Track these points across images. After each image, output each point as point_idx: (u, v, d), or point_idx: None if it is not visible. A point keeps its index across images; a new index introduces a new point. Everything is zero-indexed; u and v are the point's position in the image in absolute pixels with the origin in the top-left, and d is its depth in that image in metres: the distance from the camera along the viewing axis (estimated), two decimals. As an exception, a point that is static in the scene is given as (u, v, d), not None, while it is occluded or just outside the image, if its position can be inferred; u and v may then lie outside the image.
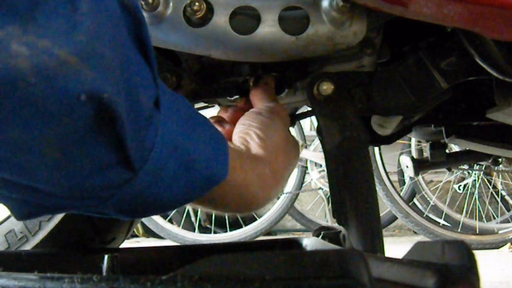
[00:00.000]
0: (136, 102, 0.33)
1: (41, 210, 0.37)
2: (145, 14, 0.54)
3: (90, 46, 0.29)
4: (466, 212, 3.03)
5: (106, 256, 0.49)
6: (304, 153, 3.13)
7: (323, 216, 3.67)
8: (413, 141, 2.94)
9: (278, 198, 3.13)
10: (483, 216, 3.18)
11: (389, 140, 0.88)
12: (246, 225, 3.07)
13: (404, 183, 3.29)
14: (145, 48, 0.36)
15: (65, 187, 0.34)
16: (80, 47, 0.28)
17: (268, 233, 3.20)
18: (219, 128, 0.58)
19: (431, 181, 3.24)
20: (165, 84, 0.40)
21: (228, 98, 0.70)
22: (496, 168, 2.88)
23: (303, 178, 3.18)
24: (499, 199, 3.38)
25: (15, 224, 0.89)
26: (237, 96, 0.68)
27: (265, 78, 0.63)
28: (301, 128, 3.15)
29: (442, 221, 3.00)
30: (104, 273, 0.49)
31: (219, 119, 0.60)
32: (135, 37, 0.36)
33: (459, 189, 3.19)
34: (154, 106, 0.36)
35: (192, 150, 0.39)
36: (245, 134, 0.53)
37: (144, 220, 2.88)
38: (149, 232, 3.25)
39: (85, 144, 0.31)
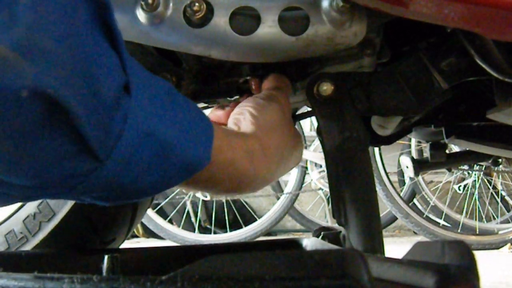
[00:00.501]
0: (95, 91, 0.32)
1: (10, 199, 0.37)
2: (145, 15, 0.54)
3: (31, 40, 0.28)
4: (466, 213, 3.03)
5: (106, 257, 0.49)
6: (304, 153, 3.13)
7: (323, 216, 3.67)
8: (413, 141, 2.94)
9: (278, 198, 3.13)
10: (483, 217, 3.18)
11: (389, 140, 0.88)
12: (246, 225, 3.07)
13: (404, 183, 3.29)
14: (112, 33, 0.35)
15: (28, 178, 0.33)
16: (19, 41, 0.27)
17: (268, 233, 3.20)
18: (220, 111, 0.59)
19: (431, 181, 3.24)
20: (141, 67, 0.39)
21: (228, 98, 0.70)
22: (496, 168, 2.88)
23: (303, 178, 3.18)
24: (499, 200, 3.38)
25: (15, 225, 0.89)
26: (237, 96, 0.68)
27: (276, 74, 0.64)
28: (301, 128, 3.15)
29: (442, 222, 3.00)
30: (104, 274, 0.49)
31: (221, 104, 0.61)
32: (100, 22, 0.34)
33: (459, 190, 3.19)
34: (124, 92, 0.35)
35: (169, 136, 0.38)
36: (239, 114, 0.53)
37: (144, 220, 2.88)
38: (149, 232, 3.25)
39: (39, 137, 0.31)
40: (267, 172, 0.51)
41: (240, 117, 0.52)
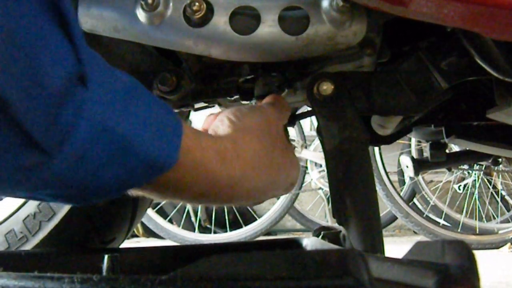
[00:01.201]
0: (37, 80, 0.30)
1: None
2: (145, 14, 0.54)
3: None
4: (466, 212, 3.03)
5: (106, 256, 0.49)
6: (304, 153, 3.13)
7: (323, 216, 3.67)
8: (413, 141, 2.94)
9: (278, 198, 3.13)
10: (483, 216, 3.19)
11: (389, 140, 0.88)
12: (246, 225, 3.07)
13: (404, 183, 3.29)
14: (64, 21, 0.33)
15: None
16: None
17: (268, 233, 3.20)
18: (211, 116, 0.57)
19: (431, 181, 3.24)
20: (103, 60, 0.36)
21: (228, 98, 0.70)
22: (496, 168, 2.88)
23: (303, 178, 3.18)
24: (499, 199, 3.38)
25: (15, 224, 0.89)
26: (237, 96, 0.68)
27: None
28: (301, 128, 3.15)
29: (442, 221, 3.00)
30: (104, 273, 0.49)
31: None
32: (50, 7, 0.32)
33: (459, 189, 3.19)
34: (79, 83, 0.33)
35: (130, 133, 0.36)
36: (218, 121, 0.52)
37: (144, 220, 2.88)
38: (149, 232, 3.25)
39: None
40: (241, 175, 0.47)
41: (219, 123, 0.51)
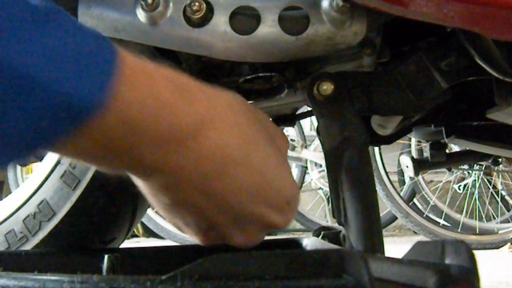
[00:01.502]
0: None
1: None
2: (145, 14, 0.54)
3: None
4: (466, 212, 3.03)
5: (106, 256, 0.49)
6: (304, 153, 3.13)
7: (323, 216, 3.67)
8: (413, 141, 2.94)
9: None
10: (483, 216, 3.19)
11: (389, 140, 0.88)
12: (246, 225, 3.07)
13: (404, 183, 3.29)
14: None
15: None
16: None
17: (268, 233, 3.20)
18: None
19: (431, 181, 3.24)
20: None
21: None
22: (496, 168, 2.89)
23: (303, 178, 3.18)
24: (499, 199, 3.38)
25: (15, 224, 0.89)
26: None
27: None
28: (301, 128, 3.15)
29: (442, 221, 3.00)
30: (104, 273, 0.49)
31: None
32: None
33: (459, 189, 3.19)
34: None
35: (31, 66, 0.29)
36: None
37: (144, 219, 2.88)
38: (149, 232, 3.25)
39: None
40: (208, 118, 0.38)
41: None
